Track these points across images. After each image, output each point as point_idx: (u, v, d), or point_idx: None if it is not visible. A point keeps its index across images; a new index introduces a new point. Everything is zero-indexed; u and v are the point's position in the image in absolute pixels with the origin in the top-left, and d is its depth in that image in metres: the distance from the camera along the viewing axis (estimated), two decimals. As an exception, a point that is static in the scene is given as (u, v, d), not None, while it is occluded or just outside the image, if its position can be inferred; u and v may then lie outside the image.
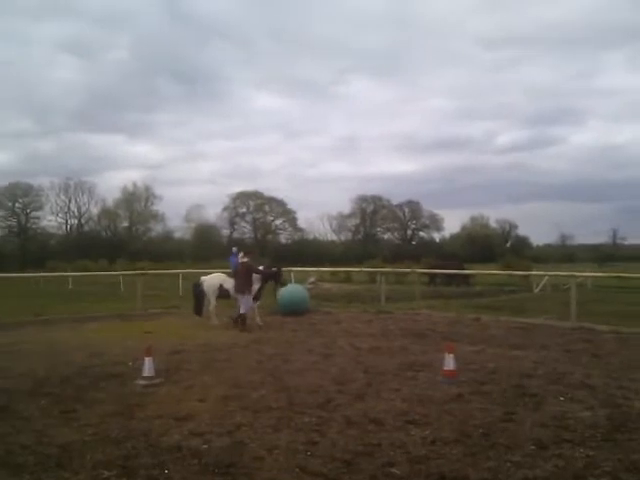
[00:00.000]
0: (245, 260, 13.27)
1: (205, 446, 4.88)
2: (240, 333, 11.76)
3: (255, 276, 13.13)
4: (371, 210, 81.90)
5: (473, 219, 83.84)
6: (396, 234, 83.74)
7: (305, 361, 8.59)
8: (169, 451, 4.78)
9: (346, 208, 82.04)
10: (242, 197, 78.37)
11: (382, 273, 21.27)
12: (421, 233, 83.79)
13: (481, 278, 31.03)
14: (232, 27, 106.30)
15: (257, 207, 79.16)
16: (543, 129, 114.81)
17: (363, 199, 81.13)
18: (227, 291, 13.31)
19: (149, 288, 20.78)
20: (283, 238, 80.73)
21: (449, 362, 7.25)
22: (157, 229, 76.38)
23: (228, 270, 15.31)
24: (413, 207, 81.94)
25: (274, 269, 14.23)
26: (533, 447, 4.78)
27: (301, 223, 79.99)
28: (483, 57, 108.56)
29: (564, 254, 73.91)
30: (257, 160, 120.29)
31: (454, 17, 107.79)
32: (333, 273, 36.83)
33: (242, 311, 12.58)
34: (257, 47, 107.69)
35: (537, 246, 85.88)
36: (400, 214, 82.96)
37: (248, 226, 80.00)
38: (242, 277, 12.87)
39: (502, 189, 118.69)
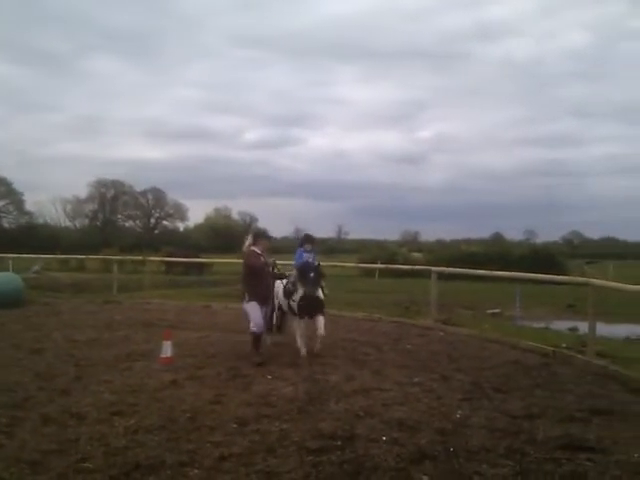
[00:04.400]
0: (252, 249, 8.02)
1: None
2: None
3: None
4: (111, 195, 77.19)
5: (217, 210, 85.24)
6: (138, 222, 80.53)
7: (8, 357, 7.69)
8: None
9: (83, 192, 76.01)
10: (-46, 174, 66.84)
11: (116, 261, 20.22)
12: (165, 222, 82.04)
13: (220, 267, 31.67)
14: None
15: (-27, 186, 68.34)
16: (286, 130, 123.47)
17: (103, 183, 75.86)
18: None
19: None
20: (6, 222, 71.15)
21: (166, 349, 7.21)
22: None
23: None
24: (157, 195, 79.58)
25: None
26: (235, 425, 4.99)
27: (29, 206, 71.49)
28: (233, 54, 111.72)
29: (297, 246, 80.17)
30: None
31: (208, 11, 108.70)
32: (63, 261, 33.91)
33: (251, 327, 7.77)
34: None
35: (275, 238, 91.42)
36: (143, 201, 79.90)
37: (-40, 208, 68.60)
38: (244, 275, 8.12)
39: (246, 183, 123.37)
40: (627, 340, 11.81)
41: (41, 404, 5.55)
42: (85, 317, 11.92)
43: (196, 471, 4.03)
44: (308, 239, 8.88)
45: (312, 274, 7.79)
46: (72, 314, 12.41)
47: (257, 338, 7.76)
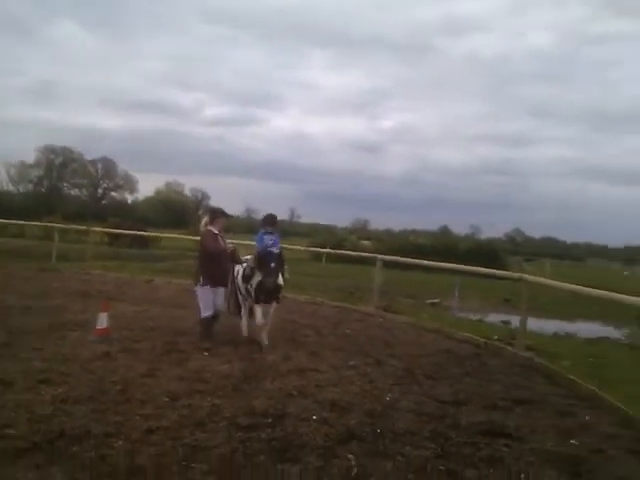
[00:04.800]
0: (208, 229, 7.61)
1: None
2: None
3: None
4: (59, 162, 74.34)
5: (168, 184, 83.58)
6: (85, 191, 77.95)
7: None
8: None
9: (30, 157, 72.86)
10: None
11: (57, 229, 19.56)
12: (113, 193, 79.72)
13: (168, 242, 31.15)
14: None
15: None
16: (248, 109, 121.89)
17: (51, 149, 72.89)
18: None
19: None
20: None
21: (102, 321, 7.09)
22: None
23: None
24: (108, 165, 77.04)
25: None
26: (166, 399, 4.97)
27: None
28: (202, 30, 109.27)
29: (248, 226, 79.88)
30: None
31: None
32: (2, 227, 32.57)
33: (202, 313, 7.54)
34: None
35: (232, 217, 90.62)
36: (92, 170, 77.32)
37: None
38: (199, 257, 7.74)
39: (202, 159, 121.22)
40: (555, 336, 12.37)
41: (-37, 370, 5.38)
42: (20, 283, 11.54)
43: (121, 442, 4.00)
44: (269, 220, 7.88)
45: (273, 264, 7.31)
46: (6, 279, 12.00)
47: (208, 323, 7.52)
